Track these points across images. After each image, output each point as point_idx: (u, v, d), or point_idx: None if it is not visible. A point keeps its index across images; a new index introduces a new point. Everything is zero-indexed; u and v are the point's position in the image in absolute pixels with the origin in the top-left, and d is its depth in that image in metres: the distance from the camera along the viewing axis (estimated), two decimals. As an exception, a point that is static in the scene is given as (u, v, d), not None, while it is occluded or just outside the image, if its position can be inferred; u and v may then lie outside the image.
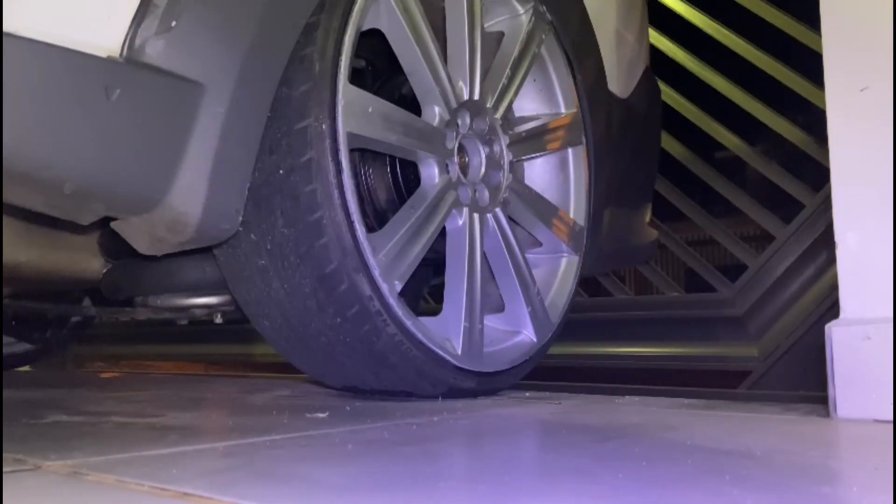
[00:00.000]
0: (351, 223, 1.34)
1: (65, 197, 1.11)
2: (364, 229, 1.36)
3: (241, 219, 1.30)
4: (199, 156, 1.18)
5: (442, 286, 1.60)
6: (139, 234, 1.27)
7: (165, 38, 1.12)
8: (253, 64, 1.23)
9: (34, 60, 1.02)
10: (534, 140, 1.84)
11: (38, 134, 1.03)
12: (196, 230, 1.22)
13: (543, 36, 1.84)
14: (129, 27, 1.11)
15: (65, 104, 1.05)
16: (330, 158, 1.31)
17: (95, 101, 1.07)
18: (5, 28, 0.99)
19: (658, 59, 3.58)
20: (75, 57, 1.05)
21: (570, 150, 1.93)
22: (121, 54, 1.10)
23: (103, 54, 1.08)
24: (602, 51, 2.02)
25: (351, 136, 1.36)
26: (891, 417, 1.20)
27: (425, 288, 2.22)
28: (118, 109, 1.09)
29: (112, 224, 1.27)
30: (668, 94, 3.85)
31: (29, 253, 1.72)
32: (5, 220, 1.65)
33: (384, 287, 1.38)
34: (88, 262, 1.84)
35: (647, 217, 2.45)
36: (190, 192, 1.19)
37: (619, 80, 2.12)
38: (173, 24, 1.13)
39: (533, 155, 1.88)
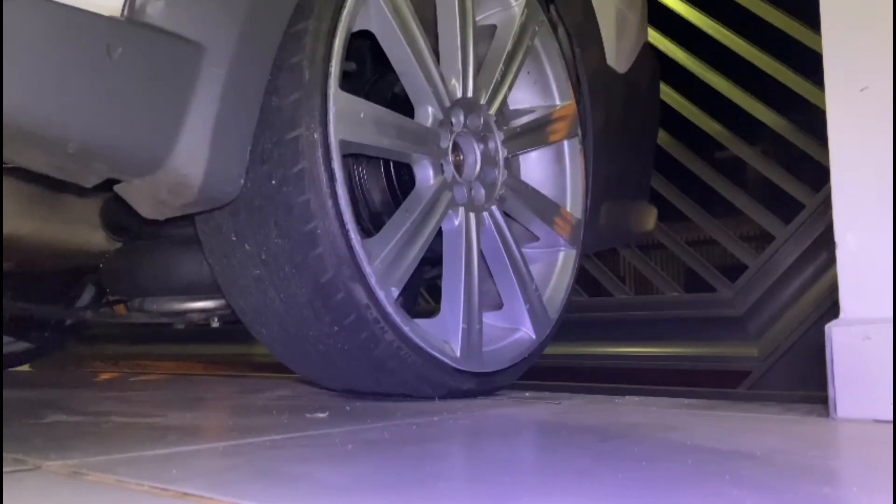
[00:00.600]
0: (346, 232, 1.32)
1: (68, 157, 1.10)
2: (359, 237, 1.35)
3: (242, 182, 1.29)
4: (201, 117, 1.18)
5: (438, 278, 1.59)
6: (142, 197, 1.27)
7: None
8: (253, 25, 1.23)
9: (37, 17, 1.02)
10: (529, 134, 1.82)
11: (41, 91, 1.03)
12: (198, 193, 1.22)
13: (537, 28, 1.82)
14: None
15: (67, 61, 1.05)
16: (322, 168, 1.29)
17: (98, 59, 1.06)
18: None
19: (658, 59, 3.58)
20: (77, 14, 1.05)
21: (565, 143, 1.90)
22: (122, 13, 1.10)
23: (105, 13, 1.08)
24: (603, 31, 2.01)
25: (343, 144, 1.34)
26: (891, 417, 1.20)
27: (421, 285, 2.21)
28: (120, 68, 1.08)
29: (115, 187, 1.27)
30: (669, 94, 3.85)
31: (31, 225, 1.72)
32: (6, 191, 1.64)
33: (381, 294, 1.37)
34: (91, 234, 1.84)
35: (646, 196, 2.45)
36: (192, 153, 1.18)
37: (620, 57, 2.11)
38: None
39: (528, 150, 1.85)
